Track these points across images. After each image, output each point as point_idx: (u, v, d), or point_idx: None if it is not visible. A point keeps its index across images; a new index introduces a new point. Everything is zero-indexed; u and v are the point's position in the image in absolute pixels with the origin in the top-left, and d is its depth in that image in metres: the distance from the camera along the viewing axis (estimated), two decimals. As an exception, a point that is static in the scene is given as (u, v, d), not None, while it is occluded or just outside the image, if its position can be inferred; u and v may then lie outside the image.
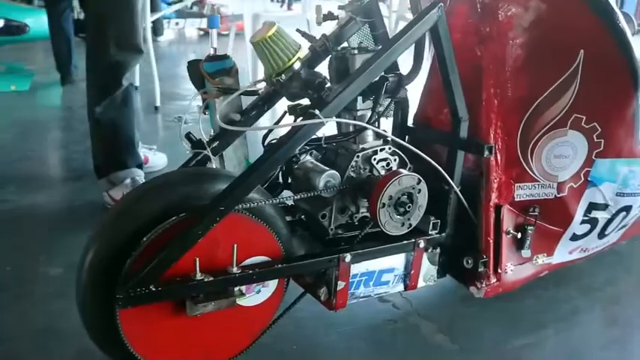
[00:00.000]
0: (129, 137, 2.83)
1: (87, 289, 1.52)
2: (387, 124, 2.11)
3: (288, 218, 1.91)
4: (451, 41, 1.75)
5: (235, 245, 1.56)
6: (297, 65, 1.62)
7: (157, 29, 7.75)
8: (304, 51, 1.73)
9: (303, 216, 1.92)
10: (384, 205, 1.70)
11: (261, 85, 1.75)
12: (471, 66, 1.89)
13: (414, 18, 1.69)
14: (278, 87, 1.69)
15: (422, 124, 2.10)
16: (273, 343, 1.87)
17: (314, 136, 1.81)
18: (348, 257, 1.71)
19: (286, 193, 1.87)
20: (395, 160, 1.86)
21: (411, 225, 1.78)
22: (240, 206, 1.55)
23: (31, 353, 1.84)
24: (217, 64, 1.78)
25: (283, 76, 1.62)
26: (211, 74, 1.75)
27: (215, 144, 1.76)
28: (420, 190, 1.76)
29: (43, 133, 4.08)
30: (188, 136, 1.76)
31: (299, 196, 1.71)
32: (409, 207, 1.74)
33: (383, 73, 1.76)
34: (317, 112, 1.53)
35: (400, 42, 1.64)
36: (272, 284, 1.70)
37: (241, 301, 1.67)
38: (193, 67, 1.78)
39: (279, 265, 1.62)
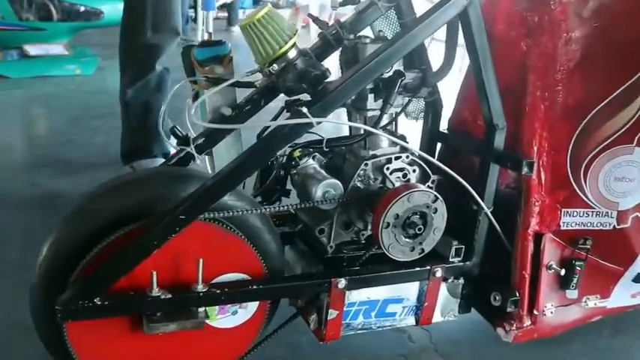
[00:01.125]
0: (158, 124, 2.69)
1: (36, 293, 1.35)
2: (415, 128, 1.83)
3: (286, 229, 1.67)
4: (487, 32, 1.45)
5: (201, 260, 1.33)
6: (291, 54, 1.37)
7: (231, 19, 7.70)
8: (314, 39, 1.48)
9: (303, 227, 1.66)
10: (388, 224, 1.42)
11: (259, 77, 1.51)
12: (514, 63, 1.56)
13: (438, 1, 1.39)
14: (274, 79, 1.44)
15: (457, 130, 1.78)
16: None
17: (317, 137, 1.57)
18: (342, 283, 1.45)
19: (289, 200, 1.63)
20: (414, 171, 1.57)
21: (423, 250, 1.49)
22: (207, 215, 1.31)
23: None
24: (209, 50, 1.56)
25: (275, 66, 1.37)
26: (201, 62, 1.53)
27: (201, 140, 1.53)
28: (436, 210, 1.46)
29: (92, 118, 4.05)
30: (173, 130, 1.55)
31: (291, 207, 1.46)
32: (420, 229, 1.45)
33: (400, 68, 1.47)
34: (305, 110, 1.27)
35: (417, 30, 1.35)
36: (251, 306, 1.46)
37: (213, 323, 1.44)
38: (187, 53, 1.57)
39: (254, 287, 1.38)
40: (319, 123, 1.27)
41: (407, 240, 1.46)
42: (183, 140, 1.54)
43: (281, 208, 1.42)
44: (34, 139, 3.75)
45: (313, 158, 1.58)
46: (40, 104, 4.53)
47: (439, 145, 1.82)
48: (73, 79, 5.09)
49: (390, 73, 1.44)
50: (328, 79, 1.36)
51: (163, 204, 1.31)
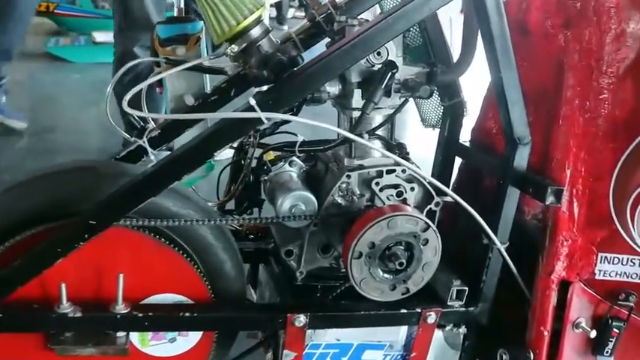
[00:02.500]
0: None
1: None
2: (431, 137, 1.52)
3: (262, 245, 1.42)
4: (519, 21, 1.14)
5: (121, 275, 1.10)
6: (255, 32, 1.11)
7: (281, 17, 7.52)
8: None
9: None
10: (360, 254, 1.13)
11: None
12: (548, 61, 1.24)
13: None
14: (242, 65, 1.19)
15: (479, 143, 1.46)
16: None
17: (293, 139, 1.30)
18: (301, 320, 1.17)
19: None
20: (412, 189, 1.27)
21: (408, 290, 1.19)
22: (134, 222, 1.08)
23: None
24: (175, 27, 1.32)
25: (235, 46, 1.11)
26: (163, 40, 1.30)
27: (157, 133, 1.30)
28: (426, 242, 1.16)
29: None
30: (129, 120, 1.32)
31: (248, 220, 1.20)
32: (402, 264, 1.15)
33: (397, 59, 1.18)
34: (253, 101, 1.00)
35: (412, 7, 1.05)
36: (193, 334, 1.22)
37: (146, 349, 1.21)
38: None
39: (186, 315, 1.13)
40: (270, 120, 1.01)
41: (386, 276, 1.16)
42: (140, 132, 1.31)
43: (235, 220, 1.17)
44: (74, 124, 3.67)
45: (290, 164, 1.31)
46: (96, 90, 4.48)
47: (458, 160, 1.50)
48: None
49: (377, 64, 1.15)
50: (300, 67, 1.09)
51: (82, 204, 1.08)
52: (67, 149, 3.10)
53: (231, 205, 1.41)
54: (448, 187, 1.48)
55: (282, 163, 1.30)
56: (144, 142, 1.25)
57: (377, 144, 1.25)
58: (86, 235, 1.03)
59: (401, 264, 1.14)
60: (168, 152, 1.31)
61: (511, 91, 1.17)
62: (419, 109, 1.55)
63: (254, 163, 1.31)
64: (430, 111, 1.53)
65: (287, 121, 1.21)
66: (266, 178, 1.30)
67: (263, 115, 1.00)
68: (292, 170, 1.31)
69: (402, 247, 1.15)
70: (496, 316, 1.32)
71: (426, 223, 1.15)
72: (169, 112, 1.33)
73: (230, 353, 1.31)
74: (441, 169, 1.47)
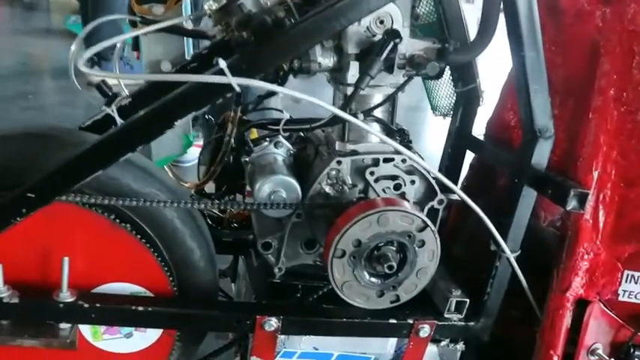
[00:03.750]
0: None
1: None
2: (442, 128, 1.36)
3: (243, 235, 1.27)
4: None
5: (66, 259, 0.95)
6: (236, -15, 0.95)
7: None
8: None
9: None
10: (343, 253, 0.97)
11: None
12: (580, 44, 1.07)
13: None
14: (225, 28, 1.04)
15: (495, 137, 1.29)
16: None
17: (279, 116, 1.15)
18: (271, 324, 1.02)
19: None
20: (412, 182, 1.10)
21: (398, 298, 1.03)
22: (84, 198, 0.93)
23: None
24: (152, -18, 1.17)
25: (213, 3, 0.96)
26: (140, -3, 1.15)
27: (128, 101, 1.15)
28: (422, 244, 1.00)
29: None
30: (99, 85, 1.17)
31: (220, 204, 1.05)
32: (392, 267, 0.98)
33: (389, 27, 1.01)
34: (223, 64, 0.85)
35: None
36: (152, 331, 1.07)
37: (98, 343, 1.07)
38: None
39: (138, 308, 0.98)
40: (242, 87, 0.85)
41: (373, 280, 1.00)
42: (110, 99, 1.16)
43: (200, 205, 1.01)
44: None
45: (276, 145, 1.15)
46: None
47: (470, 154, 1.33)
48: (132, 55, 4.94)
49: (376, 33, 0.99)
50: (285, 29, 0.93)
51: (31, 175, 0.94)
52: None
53: (211, 189, 1.26)
54: (456, 183, 1.32)
55: (266, 144, 1.14)
56: (112, 111, 1.10)
57: (374, 127, 1.09)
58: (24, 210, 0.89)
59: (390, 267, 0.98)
60: None
61: (535, 75, 1.00)
62: (429, 95, 1.38)
63: (235, 142, 1.15)
64: (442, 97, 1.36)
65: (271, 94, 1.06)
66: (247, 159, 1.14)
67: (234, 81, 0.85)
68: (278, 152, 1.15)
69: (394, 248, 0.99)
70: (499, 334, 1.16)
71: (424, 222, 0.98)
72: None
73: (197, 354, 1.17)
74: (450, 164, 1.30)
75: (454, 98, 1.32)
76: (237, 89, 0.86)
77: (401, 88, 1.05)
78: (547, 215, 1.17)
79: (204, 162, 1.23)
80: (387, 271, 0.99)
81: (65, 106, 3.20)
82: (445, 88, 1.35)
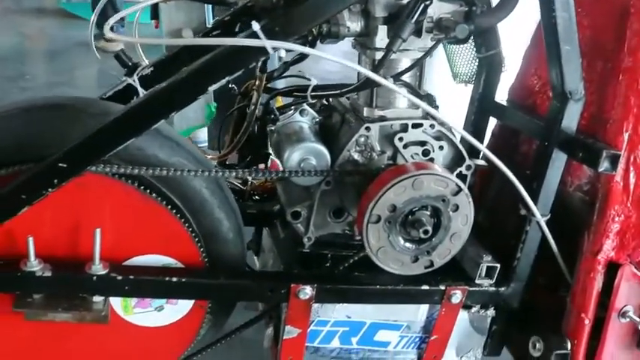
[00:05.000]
0: None
1: None
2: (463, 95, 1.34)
3: (266, 206, 1.26)
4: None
5: (98, 230, 0.94)
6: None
7: None
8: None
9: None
10: (378, 218, 0.96)
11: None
12: (606, 4, 1.05)
13: None
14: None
15: (518, 103, 1.28)
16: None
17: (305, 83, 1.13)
18: (306, 292, 1.01)
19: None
20: (441, 147, 1.09)
21: (432, 264, 1.03)
22: (114, 168, 0.92)
23: None
24: (174, -54, 1.14)
25: (241, -35, 0.94)
26: (161, -40, 1.12)
27: (149, 71, 1.13)
28: (456, 208, 0.99)
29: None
30: (119, 55, 1.15)
31: (251, 173, 1.03)
32: (427, 232, 0.98)
33: (432, -9, 1.00)
34: (256, 26, 0.83)
35: None
36: (183, 303, 1.06)
37: (129, 317, 1.06)
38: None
39: (173, 279, 0.97)
40: (276, 50, 0.83)
41: (407, 245, 1.00)
42: (130, 69, 1.14)
43: (235, 174, 1.00)
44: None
45: (301, 113, 1.13)
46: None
47: (493, 121, 1.32)
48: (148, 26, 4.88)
49: (407, -4, 0.97)
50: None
51: (58, 146, 0.92)
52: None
53: (234, 160, 1.25)
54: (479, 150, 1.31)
55: (291, 112, 1.13)
56: (134, 81, 1.08)
57: (403, 92, 1.07)
58: (55, 181, 0.87)
59: (426, 232, 0.98)
60: None
61: (566, 36, 0.99)
62: (450, 62, 1.37)
63: (260, 110, 1.14)
64: (463, 64, 1.34)
65: (299, 59, 1.05)
66: (273, 128, 1.13)
67: (268, 44, 0.83)
68: (303, 120, 1.14)
69: (428, 213, 0.99)
70: (529, 300, 1.16)
71: (458, 186, 0.98)
72: (165, 49, 1.16)
73: (225, 326, 1.17)
74: (473, 130, 1.29)
75: (475, 65, 1.31)
76: (271, 52, 0.84)
77: (429, 52, 1.04)
78: (574, 180, 1.16)
79: (227, 132, 1.22)
80: (422, 235, 0.98)
81: (63, 86, 3.17)
82: (466, 55, 1.33)
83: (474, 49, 1.29)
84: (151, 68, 1.13)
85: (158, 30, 1.16)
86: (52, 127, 0.95)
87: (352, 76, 1.11)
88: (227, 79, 0.86)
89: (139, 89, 1.08)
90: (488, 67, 1.26)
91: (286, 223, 1.21)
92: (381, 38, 1.02)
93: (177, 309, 1.07)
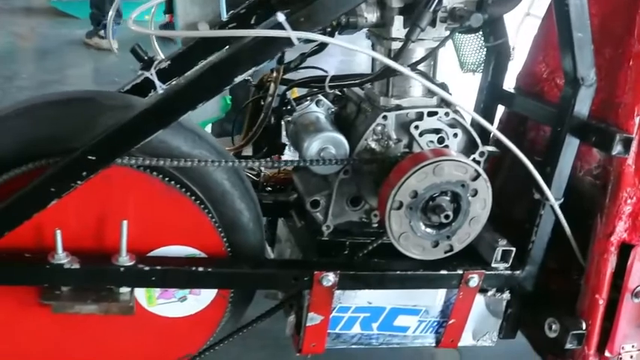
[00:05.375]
0: None
1: None
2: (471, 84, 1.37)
3: (281, 197, 1.27)
4: None
5: (125, 222, 0.95)
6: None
7: None
8: None
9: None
10: (400, 205, 0.98)
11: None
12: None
13: None
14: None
15: (526, 90, 1.30)
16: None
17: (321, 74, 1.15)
18: (329, 278, 1.03)
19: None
20: (455, 135, 1.12)
21: (451, 248, 1.05)
22: (139, 160, 0.93)
23: None
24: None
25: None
26: (175, -47, 1.13)
27: (167, 64, 1.14)
28: (475, 192, 1.01)
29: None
30: (134, 49, 1.16)
31: (269, 162, 1.05)
32: (448, 217, 1.00)
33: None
34: (281, 17, 0.84)
35: None
36: (206, 293, 1.08)
37: (153, 308, 1.07)
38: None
39: (199, 269, 0.99)
40: (302, 40, 0.85)
41: (428, 230, 1.02)
42: (147, 63, 1.15)
43: (248, 164, 1.01)
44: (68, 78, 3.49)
45: (317, 103, 1.15)
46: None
47: (501, 108, 1.35)
48: (143, 23, 4.84)
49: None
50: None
51: (83, 139, 0.93)
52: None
53: (248, 152, 1.26)
54: (489, 137, 1.33)
55: (307, 103, 1.14)
56: (151, 75, 1.09)
57: (425, 81, 1.10)
58: (84, 173, 0.88)
59: (447, 216, 1.00)
60: None
61: (579, 23, 1.01)
62: (457, 52, 1.39)
63: (276, 101, 1.15)
64: (470, 54, 1.37)
65: (316, 51, 1.06)
66: (289, 119, 1.14)
67: (293, 34, 0.85)
68: (319, 111, 1.15)
69: (448, 198, 1.01)
70: (542, 283, 1.19)
71: (477, 171, 1.00)
72: (180, 42, 1.17)
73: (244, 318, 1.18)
74: (483, 117, 1.31)
75: (482, 54, 1.33)
76: (296, 42, 0.86)
77: (444, 41, 1.07)
78: (583, 164, 1.19)
79: (242, 124, 1.23)
80: (443, 220, 1.00)
81: (60, 84, 3.16)
82: (473, 44, 1.36)
83: (481, 38, 1.32)
84: (168, 62, 1.13)
85: (173, 23, 1.16)
86: (77, 121, 0.96)
87: (347, 69, 1.13)
88: (253, 69, 0.87)
89: (157, 82, 1.09)
90: (497, 56, 1.28)
91: (302, 213, 1.23)
92: (397, 28, 1.04)
93: (200, 299, 1.08)
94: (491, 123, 1.35)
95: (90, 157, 0.87)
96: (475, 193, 1.01)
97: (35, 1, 4.67)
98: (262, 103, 1.18)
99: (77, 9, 4.87)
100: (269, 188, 1.35)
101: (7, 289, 0.98)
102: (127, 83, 1.16)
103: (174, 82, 1.12)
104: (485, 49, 1.31)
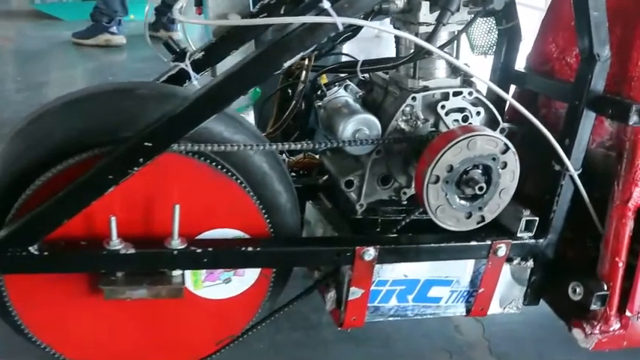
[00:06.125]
0: None
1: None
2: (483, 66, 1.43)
3: (309, 181, 1.31)
4: None
5: (177, 206, 0.99)
6: None
7: None
8: None
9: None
10: (437, 179, 1.04)
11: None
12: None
13: None
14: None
15: (537, 69, 1.37)
16: (263, 353, 1.31)
17: (349, 59, 1.20)
18: (369, 253, 1.08)
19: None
20: (478, 113, 1.18)
21: (483, 219, 1.11)
22: (188, 146, 0.97)
23: None
24: None
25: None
26: (205, -54, 1.17)
27: (200, 55, 1.17)
28: (505, 165, 1.07)
29: (136, 62, 3.74)
30: (167, 42, 1.20)
31: (309, 144, 1.09)
32: (482, 189, 1.06)
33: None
34: (326, 4, 0.89)
35: None
36: (249, 274, 1.12)
37: (199, 291, 1.11)
38: None
39: (249, 249, 1.03)
40: (347, 26, 0.90)
41: (462, 202, 1.08)
42: (180, 55, 1.19)
43: (296, 146, 1.06)
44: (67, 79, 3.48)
45: (345, 88, 1.20)
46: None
47: (513, 88, 1.41)
48: (127, 23, 4.81)
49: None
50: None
51: (130, 128, 0.97)
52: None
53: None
54: (503, 116, 1.39)
55: (336, 88, 1.19)
56: (186, 66, 1.13)
57: (443, 63, 1.15)
58: (141, 159, 0.92)
59: (481, 188, 1.05)
60: None
61: (594, 3, 1.08)
62: (468, 35, 1.45)
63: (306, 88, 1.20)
64: (481, 36, 1.42)
65: (346, 38, 1.11)
66: (320, 104, 1.19)
67: (339, 20, 0.89)
68: (348, 95, 1.20)
69: (480, 171, 1.06)
70: (563, 251, 1.25)
71: (506, 144, 1.06)
72: (210, 34, 1.21)
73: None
74: (497, 99, 1.37)
75: (493, 37, 1.39)
76: (341, 28, 0.90)
77: (469, 24, 1.12)
78: (595, 138, 1.25)
79: (270, 111, 1.27)
80: (477, 192, 1.06)
81: (55, 85, 3.17)
82: (483, 28, 1.42)
83: (490, 21, 1.38)
84: (202, 52, 1.17)
85: (202, 16, 1.20)
86: (124, 111, 0.99)
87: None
88: (301, 54, 0.91)
89: (192, 73, 1.12)
90: (509, 38, 1.34)
91: (331, 195, 1.28)
92: (424, 13, 1.09)
93: (243, 280, 1.13)
94: (505, 102, 1.41)
95: (146, 144, 0.91)
96: (505, 165, 1.07)
97: (15, 3, 4.62)
98: (289, 90, 1.22)
99: (60, 10, 4.84)
100: (293, 174, 1.40)
101: (62, 278, 1.01)
102: (162, 74, 1.20)
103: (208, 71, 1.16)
104: (495, 32, 1.37)
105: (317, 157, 1.38)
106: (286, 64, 0.92)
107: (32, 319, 1.06)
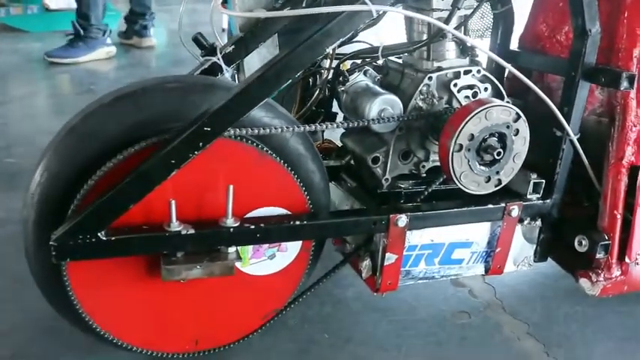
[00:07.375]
0: None
1: (29, 230, 1.11)
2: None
3: (331, 163, 1.41)
4: None
5: (231, 187, 1.08)
6: None
7: None
8: None
9: (352, 159, 1.40)
10: (460, 147, 1.15)
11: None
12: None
13: None
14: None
15: (530, 48, 1.50)
16: (299, 328, 1.40)
17: (369, 46, 1.30)
18: (402, 220, 1.19)
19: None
20: (486, 89, 1.30)
21: (500, 182, 1.23)
22: (240, 131, 1.06)
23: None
24: None
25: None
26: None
27: (230, 49, 1.26)
28: (517, 132, 1.19)
29: (116, 70, 3.77)
30: (197, 38, 1.28)
31: (341, 124, 1.19)
32: (499, 154, 1.18)
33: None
34: (362, -8, 1.00)
35: None
36: (292, 249, 1.21)
37: (245, 268, 1.20)
38: None
39: (298, 223, 1.12)
40: (380, 13, 1.00)
41: (482, 168, 1.19)
42: (209, 50, 1.27)
43: (328, 126, 1.16)
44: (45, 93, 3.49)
45: (365, 73, 1.31)
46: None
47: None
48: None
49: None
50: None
51: (181, 118, 1.05)
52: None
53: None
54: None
55: (357, 74, 1.30)
56: (218, 59, 1.21)
57: (453, 44, 1.27)
58: (201, 144, 1.00)
59: (499, 153, 1.17)
60: None
61: (585, -20, 1.20)
62: (465, 20, 1.56)
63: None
64: (476, 20, 1.54)
65: (368, 25, 1.21)
66: (343, 89, 1.29)
67: (374, 8, 1.00)
68: (368, 80, 1.31)
69: (496, 139, 1.18)
70: (565, 211, 1.38)
71: (517, 113, 1.18)
72: (237, 29, 1.30)
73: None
74: (498, 75, 1.50)
75: (488, 20, 1.52)
76: (375, 15, 1.01)
77: (477, 9, 1.24)
78: (587, 106, 1.39)
79: (292, 99, 1.37)
80: (495, 157, 1.18)
81: (45, 94, 3.21)
82: (479, 11, 1.54)
83: (487, 6, 1.50)
84: (232, 46, 1.26)
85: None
86: (175, 101, 1.08)
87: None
88: (340, 40, 1.01)
89: (224, 66, 1.21)
90: (504, 21, 1.47)
91: (354, 174, 1.39)
92: (437, 0, 1.21)
93: (286, 255, 1.22)
94: (502, 81, 1.54)
95: (206, 129, 0.99)
96: (517, 132, 1.19)
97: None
98: (309, 80, 1.32)
99: (27, 23, 4.80)
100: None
101: (114, 265, 1.09)
102: (195, 68, 1.28)
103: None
104: (490, 16, 1.50)
105: (333, 142, 1.48)
106: (328, 50, 1.02)
107: (93, 307, 1.13)
